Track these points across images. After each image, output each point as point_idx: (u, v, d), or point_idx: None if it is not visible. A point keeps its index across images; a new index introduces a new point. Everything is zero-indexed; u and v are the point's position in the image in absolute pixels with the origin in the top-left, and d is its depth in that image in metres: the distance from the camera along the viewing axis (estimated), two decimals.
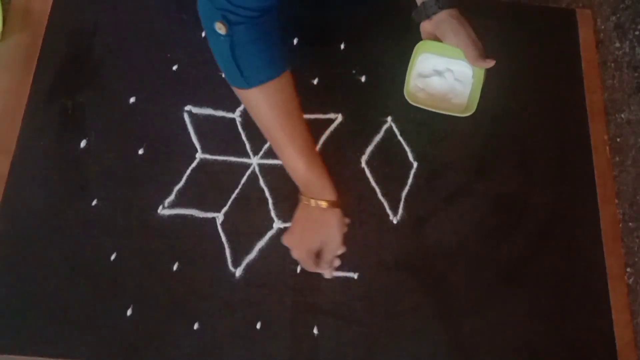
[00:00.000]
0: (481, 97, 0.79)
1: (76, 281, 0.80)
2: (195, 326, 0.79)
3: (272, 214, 0.85)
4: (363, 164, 0.89)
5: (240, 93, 0.71)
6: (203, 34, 0.94)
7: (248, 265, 0.82)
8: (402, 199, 0.87)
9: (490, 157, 0.91)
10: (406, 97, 0.80)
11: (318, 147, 0.89)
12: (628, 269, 0.88)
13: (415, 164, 0.90)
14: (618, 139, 0.94)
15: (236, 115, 0.90)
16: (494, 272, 0.85)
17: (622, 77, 0.96)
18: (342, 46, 0.95)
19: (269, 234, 0.84)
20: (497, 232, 0.87)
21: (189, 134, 0.88)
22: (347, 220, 0.78)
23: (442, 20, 0.77)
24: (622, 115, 0.95)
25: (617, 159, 0.94)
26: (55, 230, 0.82)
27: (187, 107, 0.90)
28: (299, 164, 0.73)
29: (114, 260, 0.81)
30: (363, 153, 0.90)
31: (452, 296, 0.83)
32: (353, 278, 0.83)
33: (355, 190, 0.87)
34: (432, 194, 0.88)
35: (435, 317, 0.82)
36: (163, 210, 0.84)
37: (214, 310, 0.80)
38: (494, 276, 0.85)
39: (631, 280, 0.87)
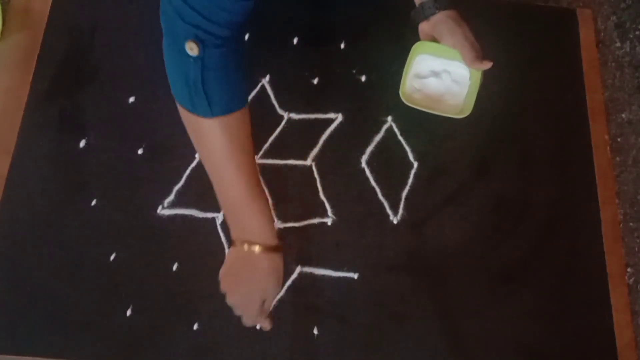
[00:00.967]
0: (477, 99, 0.79)
1: (76, 281, 0.80)
2: (195, 326, 0.79)
3: (272, 214, 0.85)
4: (363, 164, 0.89)
5: (194, 120, 0.65)
6: None
7: None
8: (402, 199, 0.87)
9: (490, 157, 0.91)
10: (402, 98, 0.80)
11: (318, 147, 0.89)
12: (628, 269, 0.88)
13: (415, 164, 0.90)
14: (619, 139, 0.94)
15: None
16: (494, 272, 0.85)
17: (623, 77, 0.96)
18: (342, 46, 0.95)
19: None
20: (497, 232, 0.87)
21: (188, 134, 0.88)
22: None
23: (440, 22, 0.77)
24: (623, 115, 0.95)
25: (618, 158, 0.94)
26: (55, 230, 0.82)
27: None
28: (249, 207, 0.67)
29: (113, 260, 0.81)
30: (363, 153, 0.90)
31: (452, 296, 0.83)
32: (353, 278, 0.83)
33: (355, 190, 0.87)
34: (432, 194, 0.88)
35: (435, 317, 0.82)
36: (163, 210, 0.84)
37: (214, 310, 0.80)
38: (494, 276, 0.85)
39: (632, 280, 0.87)
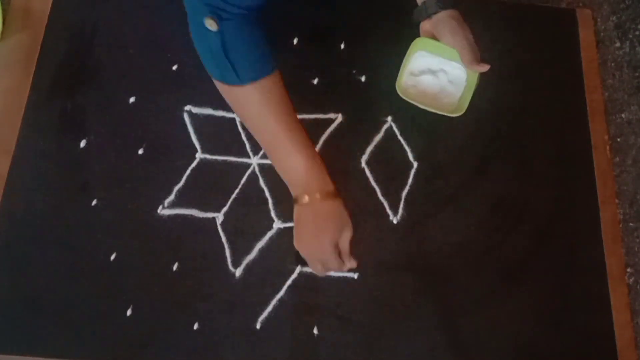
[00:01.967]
0: (472, 100, 0.79)
1: (76, 281, 0.80)
2: (195, 326, 0.79)
3: (272, 214, 0.85)
4: (363, 164, 0.89)
5: (229, 90, 0.69)
6: None
7: (248, 265, 0.82)
8: (402, 199, 0.87)
9: (490, 157, 0.91)
10: (397, 91, 0.80)
11: (318, 147, 0.89)
12: (628, 269, 0.88)
13: (415, 164, 0.90)
14: (618, 139, 0.95)
15: (236, 115, 0.90)
16: (494, 272, 0.85)
17: (622, 77, 0.96)
18: (342, 46, 0.95)
19: (269, 234, 0.84)
20: (497, 232, 0.87)
21: (188, 133, 0.88)
22: None
23: (442, 20, 0.77)
24: (623, 115, 0.95)
25: (618, 158, 0.94)
26: (55, 230, 0.82)
27: (187, 107, 0.90)
28: (299, 161, 0.69)
29: (114, 260, 0.81)
30: (363, 153, 0.90)
31: (452, 296, 0.83)
32: (353, 278, 0.83)
33: (355, 190, 0.87)
34: (432, 194, 0.88)
35: (435, 317, 0.82)
36: (163, 210, 0.84)
37: (214, 310, 0.80)
38: (494, 276, 0.85)
39: (631, 280, 0.87)
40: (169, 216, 0.84)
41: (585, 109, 0.96)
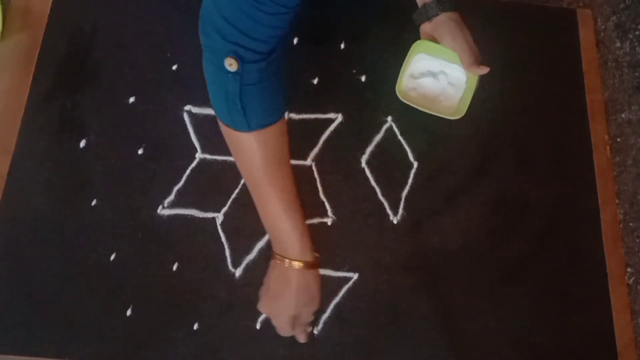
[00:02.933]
0: (472, 102, 0.79)
1: (76, 281, 0.80)
2: (195, 326, 0.79)
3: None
4: (363, 164, 0.89)
5: (233, 135, 0.66)
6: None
7: (248, 266, 0.82)
8: (402, 199, 0.87)
9: (490, 157, 0.91)
10: (397, 94, 0.80)
11: (318, 147, 0.89)
12: (628, 269, 0.88)
13: (415, 164, 0.90)
14: (618, 139, 0.94)
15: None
16: (494, 272, 0.85)
17: (623, 77, 0.96)
18: (342, 46, 0.95)
19: None
20: (497, 232, 0.87)
21: (188, 133, 0.88)
22: None
23: (442, 23, 0.77)
24: (623, 115, 0.95)
25: (618, 158, 0.94)
26: (55, 230, 0.82)
27: (187, 107, 0.90)
28: (284, 222, 0.68)
29: (113, 260, 0.81)
30: (363, 153, 0.90)
31: (452, 296, 0.83)
32: (353, 278, 0.83)
33: (355, 190, 0.87)
34: (432, 194, 0.88)
35: (435, 317, 0.82)
36: (163, 210, 0.84)
37: (213, 310, 0.80)
38: (494, 276, 0.85)
39: (631, 280, 0.87)
40: (169, 216, 0.84)
41: (585, 109, 0.96)
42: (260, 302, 0.73)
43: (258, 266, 0.82)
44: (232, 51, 0.60)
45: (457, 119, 0.79)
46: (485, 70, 0.76)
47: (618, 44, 0.98)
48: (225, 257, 0.83)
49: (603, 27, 1.01)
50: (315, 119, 0.91)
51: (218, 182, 0.86)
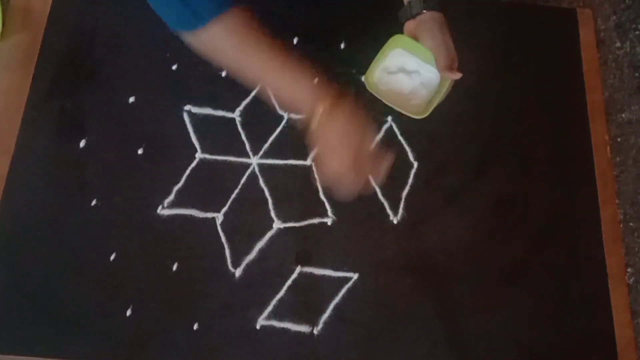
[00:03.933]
0: (439, 105, 0.79)
1: (76, 281, 0.80)
2: (195, 326, 0.79)
3: (272, 214, 0.85)
4: None
5: (195, 38, 0.65)
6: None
7: (248, 266, 0.82)
8: (402, 199, 0.87)
9: (490, 157, 0.91)
10: (365, 84, 0.80)
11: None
12: (629, 269, 0.88)
13: (415, 164, 0.90)
14: (619, 139, 0.94)
15: (236, 115, 0.90)
16: (494, 272, 0.85)
17: (623, 77, 0.96)
18: (342, 46, 0.95)
19: (269, 234, 0.84)
20: (497, 232, 0.87)
21: (188, 133, 0.88)
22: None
23: (424, 22, 0.76)
24: (623, 115, 0.95)
25: (618, 158, 0.94)
26: (55, 230, 0.82)
27: (187, 107, 0.90)
28: (296, 77, 0.68)
29: (113, 260, 0.81)
30: None
31: (452, 296, 0.83)
32: (353, 278, 0.83)
33: None
34: (432, 194, 0.88)
35: (435, 317, 0.82)
36: (163, 210, 0.84)
37: (213, 310, 0.80)
38: (494, 276, 0.85)
39: (632, 280, 0.87)
40: (169, 216, 0.84)
41: (586, 109, 0.96)
42: (331, 166, 0.70)
43: (258, 266, 0.82)
44: None
45: (420, 118, 0.79)
46: (456, 76, 0.75)
47: (618, 44, 0.98)
48: (225, 257, 0.83)
49: (603, 27, 1.01)
50: None
51: (218, 182, 0.86)
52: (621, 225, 0.90)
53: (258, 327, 0.80)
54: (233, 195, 0.85)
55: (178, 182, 0.85)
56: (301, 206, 0.86)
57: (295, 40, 0.95)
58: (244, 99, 0.91)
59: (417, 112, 0.80)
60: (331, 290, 0.82)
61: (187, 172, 0.86)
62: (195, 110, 0.90)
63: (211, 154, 0.88)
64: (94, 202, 0.84)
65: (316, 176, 0.87)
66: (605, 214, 0.90)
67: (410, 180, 0.89)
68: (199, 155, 0.87)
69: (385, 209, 0.87)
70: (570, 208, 0.89)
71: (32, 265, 0.80)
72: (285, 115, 0.90)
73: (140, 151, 0.87)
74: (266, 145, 0.89)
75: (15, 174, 0.84)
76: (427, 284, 0.83)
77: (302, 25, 0.96)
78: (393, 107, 0.80)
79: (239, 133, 0.89)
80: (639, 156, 0.90)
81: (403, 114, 0.81)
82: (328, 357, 0.79)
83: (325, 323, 0.80)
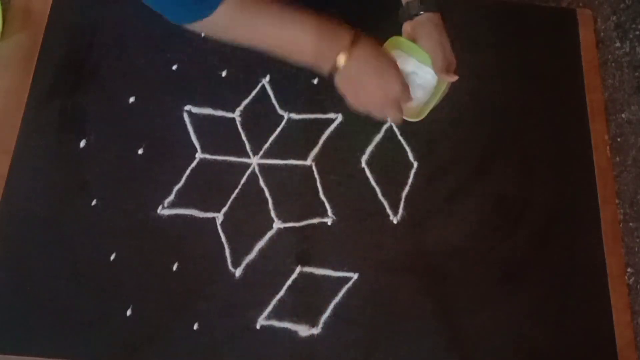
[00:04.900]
0: (435, 107, 0.78)
1: (76, 281, 0.80)
2: (195, 326, 0.79)
3: (272, 214, 0.85)
4: (363, 164, 0.89)
5: (204, 25, 0.66)
6: (203, 34, 0.94)
7: (248, 265, 0.82)
8: (402, 199, 0.87)
9: (490, 157, 0.91)
10: None
11: (318, 147, 0.89)
12: (628, 269, 0.88)
13: (415, 164, 0.90)
14: (618, 139, 0.94)
15: (236, 115, 0.90)
16: (494, 272, 0.85)
17: (623, 77, 0.96)
18: None
19: (269, 234, 0.84)
20: (497, 232, 0.87)
21: (188, 133, 0.88)
22: None
23: (421, 23, 0.76)
24: (623, 115, 0.95)
25: (618, 158, 0.94)
26: (55, 230, 0.82)
27: (187, 107, 0.90)
28: (307, 33, 0.68)
29: (113, 260, 0.81)
30: (363, 153, 0.90)
31: (452, 296, 0.83)
32: (353, 278, 0.83)
33: (355, 190, 0.87)
34: (432, 194, 0.88)
35: (435, 317, 0.82)
36: (163, 210, 0.84)
37: (214, 310, 0.80)
38: (494, 276, 0.85)
39: (631, 280, 0.87)
40: (169, 216, 0.84)
41: (585, 109, 0.96)
42: (366, 104, 0.74)
43: (258, 266, 0.82)
44: None
45: (416, 121, 0.78)
46: (453, 78, 0.75)
47: (618, 44, 0.98)
48: (225, 257, 0.83)
49: (603, 27, 1.01)
50: (315, 119, 0.91)
51: (218, 182, 0.86)
52: (621, 225, 0.90)
53: (258, 327, 0.80)
54: (233, 195, 0.85)
55: (178, 182, 0.85)
56: (301, 206, 0.86)
57: None
58: (244, 99, 0.91)
59: (413, 114, 0.79)
60: (331, 290, 0.82)
61: (187, 172, 0.86)
62: (195, 110, 0.90)
63: (211, 154, 0.88)
64: (94, 202, 0.84)
65: (316, 176, 0.87)
66: (605, 214, 0.90)
67: (410, 180, 0.89)
68: (199, 155, 0.87)
69: (385, 209, 0.87)
70: (570, 208, 0.89)
71: (32, 265, 0.80)
72: (285, 115, 0.90)
73: (140, 151, 0.87)
74: (266, 145, 0.89)
75: (15, 174, 0.84)
76: (427, 283, 0.83)
77: None
78: None
79: (239, 133, 0.89)
80: (639, 156, 0.90)
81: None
82: (328, 357, 0.79)
83: (325, 323, 0.80)
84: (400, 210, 0.87)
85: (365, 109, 0.74)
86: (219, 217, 0.84)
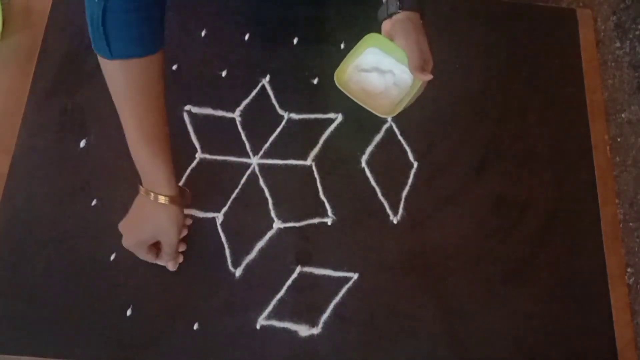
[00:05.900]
0: (407, 105, 0.77)
1: (76, 281, 0.80)
2: (195, 326, 0.79)
3: (272, 214, 0.85)
4: (363, 164, 0.89)
5: (101, 61, 0.69)
6: (203, 34, 0.94)
7: (248, 265, 0.82)
8: (402, 199, 0.87)
9: (490, 156, 0.91)
10: (335, 81, 0.77)
11: (318, 147, 0.89)
12: (628, 269, 0.88)
13: (415, 164, 0.90)
14: (618, 139, 0.94)
15: (236, 115, 0.90)
16: (494, 272, 0.85)
17: (623, 77, 0.96)
18: (342, 46, 0.95)
19: (269, 234, 0.84)
20: (497, 232, 0.87)
21: (188, 133, 0.88)
22: (188, 222, 0.81)
23: (399, 21, 0.75)
24: (623, 115, 0.95)
25: (618, 158, 0.94)
26: (55, 230, 0.82)
27: (187, 107, 0.90)
28: (141, 152, 0.71)
29: (113, 260, 0.81)
30: (363, 153, 0.90)
31: (452, 296, 0.83)
32: (353, 278, 0.83)
33: (355, 190, 0.87)
34: (432, 194, 0.88)
35: (435, 317, 0.82)
36: None
37: (214, 310, 0.80)
38: (494, 276, 0.85)
39: (631, 280, 0.87)
40: None
41: (585, 109, 0.96)
42: (121, 232, 0.77)
43: (258, 266, 0.82)
44: None
45: (389, 117, 0.77)
46: (427, 77, 0.74)
47: (618, 44, 0.98)
48: (225, 257, 0.83)
49: (603, 27, 1.01)
50: (315, 119, 0.91)
51: (218, 182, 0.86)
52: (621, 225, 0.90)
53: (258, 327, 0.80)
54: (233, 195, 0.85)
55: (178, 182, 0.85)
56: (301, 206, 0.86)
57: (295, 40, 0.95)
58: (244, 99, 0.91)
59: (386, 111, 0.78)
60: (331, 290, 0.82)
61: (187, 172, 0.86)
62: (195, 110, 0.90)
63: (211, 154, 0.88)
64: (93, 202, 0.84)
65: (316, 176, 0.87)
66: (605, 214, 0.90)
67: (410, 180, 0.89)
68: (199, 155, 0.87)
69: (385, 209, 0.87)
70: (570, 208, 0.89)
71: (32, 265, 0.80)
72: (285, 115, 0.91)
73: None
74: (266, 145, 0.89)
75: (15, 174, 0.84)
76: (427, 283, 0.83)
77: (302, 25, 0.96)
78: (362, 105, 0.78)
79: (239, 133, 0.89)
80: (638, 156, 0.90)
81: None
82: (328, 357, 0.79)
83: (325, 323, 0.80)
84: (400, 210, 0.87)
85: (128, 236, 0.77)
86: (219, 217, 0.84)
